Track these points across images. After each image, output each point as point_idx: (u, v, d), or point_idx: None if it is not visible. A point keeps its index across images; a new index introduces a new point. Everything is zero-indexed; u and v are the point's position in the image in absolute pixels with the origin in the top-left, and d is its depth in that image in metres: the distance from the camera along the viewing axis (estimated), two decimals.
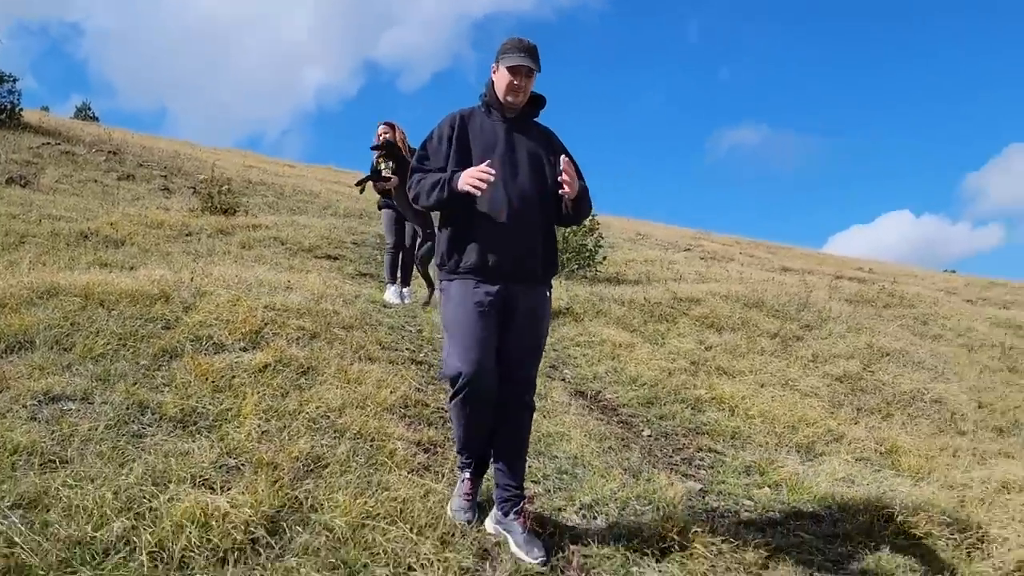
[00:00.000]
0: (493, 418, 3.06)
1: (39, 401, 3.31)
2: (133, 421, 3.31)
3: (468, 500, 3.17)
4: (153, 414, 3.42)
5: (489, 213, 2.97)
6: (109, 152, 14.04)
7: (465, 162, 3.01)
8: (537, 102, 3.18)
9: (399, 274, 7.69)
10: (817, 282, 12.41)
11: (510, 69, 3.02)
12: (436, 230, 7.60)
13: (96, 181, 11.84)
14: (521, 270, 3.00)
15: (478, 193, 2.86)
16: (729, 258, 16.68)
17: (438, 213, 3.20)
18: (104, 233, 8.14)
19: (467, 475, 3.20)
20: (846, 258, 26.27)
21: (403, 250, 7.67)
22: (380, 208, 7.80)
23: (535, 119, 3.21)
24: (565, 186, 2.93)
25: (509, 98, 3.06)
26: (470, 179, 2.85)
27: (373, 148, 7.32)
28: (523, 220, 2.98)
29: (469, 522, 3.08)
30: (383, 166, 7.22)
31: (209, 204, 10.63)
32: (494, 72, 3.12)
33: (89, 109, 41.90)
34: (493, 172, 2.86)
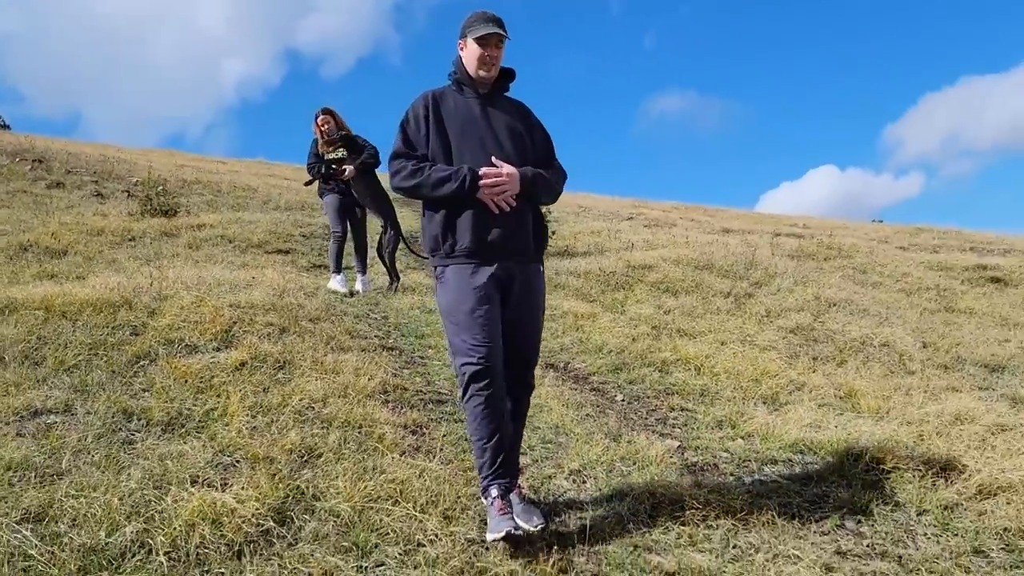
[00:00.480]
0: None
1: (21, 417, 3.27)
2: (121, 428, 3.29)
3: (506, 513, 2.84)
4: (139, 420, 3.40)
5: (476, 207, 2.92)
6: (34, 161, 13.54)
7: (443, 143, 2.97)
8: (507, 75, 3.12)
9: (356, 262, 7.65)
10: (758, 241, 12.78)
11: (480, 40, 2.95)
12: (399, 219, 7.60)
13: (25, 191, 11.43)
14: (515, 247, 2.96)
15: (508, 208, 2.90)
16: (671, 223, 17.00)
17: (400, 199, 3.23)
18: (44, 244, 7.90)
19: (495, 494, 2.88)
20: (781, 216, 26.97)
21: (358, 238, 7.61)
22: (322, 196, 7.59)
23: (507, 93, 3.15)
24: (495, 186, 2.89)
25: (482, 72, 2.98)
26: (498, 197, 2.87)
27: (329, 142, 7.22)
28: (514, 205, 2.93)
29: (517, 529, 2.76)
30: (335, 154, 7.17)
31: (148, 207, 10.38)
32: (462, 49, 3.04)
33: None
34: (513, 198, 2.90)
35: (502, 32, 2.96)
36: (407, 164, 2.97)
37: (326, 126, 7.28)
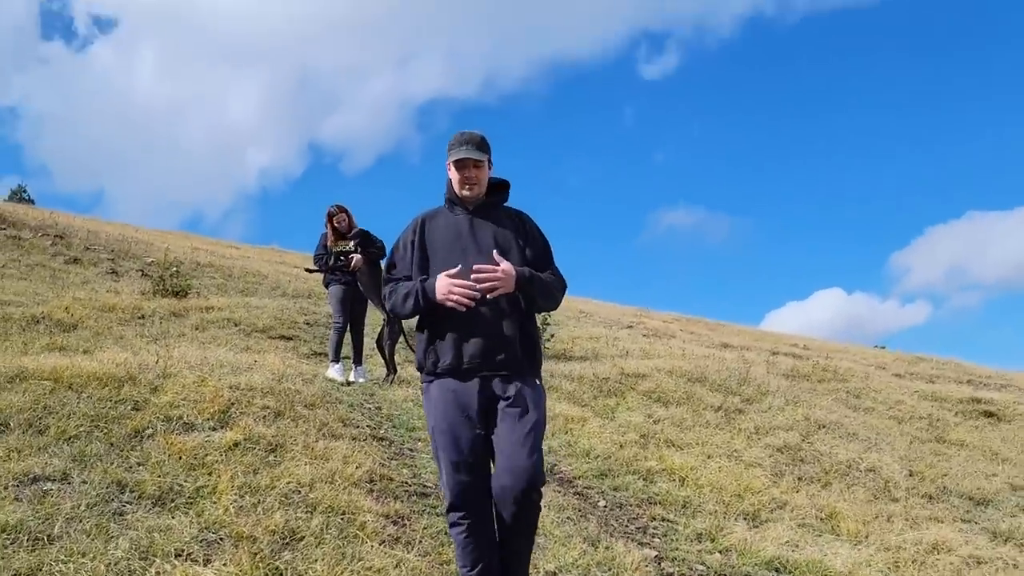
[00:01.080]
0: (496, 532, 2.94)
1: (20, 482, 3.40)
2: (113, 499, 3.41)
3: None
4: (132, 492, 3.52)
5: (454, 323, 2.92)
6: (55, 236, 13.97)
7: (424, 264, 3.02)
8: (500, 188, 3.17)
9: (352, 353, 7.85)
10: (755, 358, 12.92)
11: (456, 164, 3.02)
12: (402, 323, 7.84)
13: (44, 265, 11.77)
14: (498, 362, 2.90)
15: (462, 309, 2.84)
16: (671, 335, 17.20)
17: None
18: (56, 317, 8.13)
19: None
20: (782, 335, 27.16)
21: (356, 329, 7.84)
22: (327, 286, 7.88)
23: (504, 203, 3.18)
24: (485, 283, 2.85)
25: (465, 192, 3.04)
26: (453, 295, 2.84)
27: (345, 237, 7.58)
28: (494, 309, 2.91)
29: None
30: (344, 246, 7.50)
31: (161, 287, 10.66)
32: (448, 169, 3.10)
33: (25, 192, 41.42)
34: (477, 289, 2.83)
35: (477, 156, 3.01)
36: (386, 287, 3.09)
37: (341, 224, 7.63)
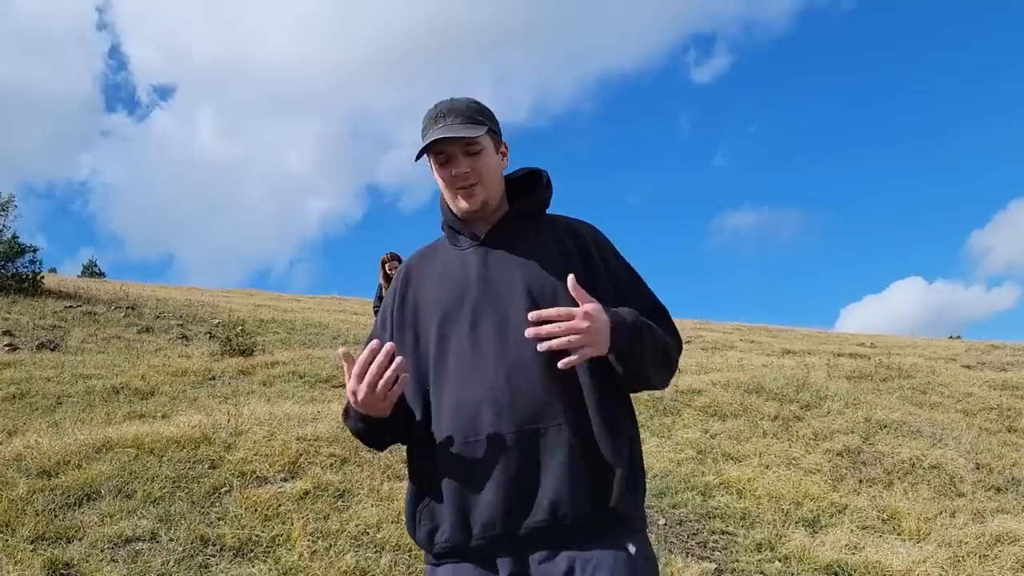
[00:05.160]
0: None
1: (114, 544, 3.73)
2: (198, 554, 3.72)
3: None
4: (214, 545, 3.83)
5: (456, 431, 1.67)
6: (127, 308, 14.73)
7: (407, 339, 1.80)
8: (530, 187, 1.86)
9: None
10: (816, 362, 12.81)
11: (435, 158, 1.78)
12: None
13: (119, 337, 12.44)
14: (548, 525, 1.61)
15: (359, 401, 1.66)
16: (729, 346, 17.11)
17: None
18: (134, 386, 8.64)
19: None
20: (847, 335, 26.66)
21: None
22: None
23: (540, 213, 1.86)
24: (547, 341, 1.57)
25: (462, 204, 1.78)
26: (359, 390, 1.64)
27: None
28: (532, 421, 1.64)
29: None
30: None
31: (228, 347, 11.18)
32: (432, 173, 1.84)
33: (95, 266, 43.49)
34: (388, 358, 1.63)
35: (462, 134, 1.72)
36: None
37: (394, 272, 7.96)
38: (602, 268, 1.80)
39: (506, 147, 1.84)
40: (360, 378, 1.63)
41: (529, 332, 1.57)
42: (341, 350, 1.71)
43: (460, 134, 1.71)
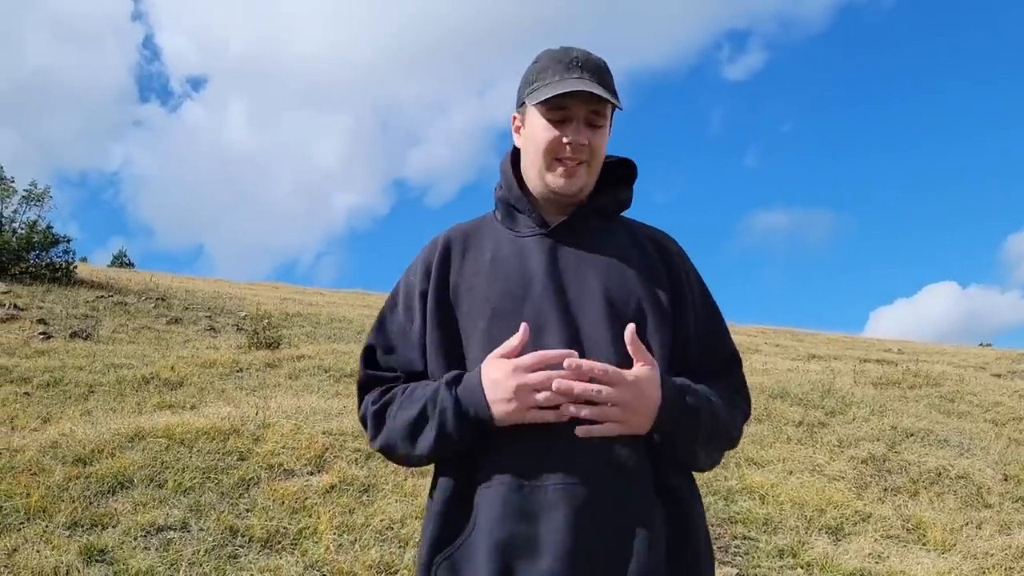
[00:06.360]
0: None
1: (147, 532, 3.82)
2: (227, 544, 3.80)
3: None
4: (243, 536, 3.90)
5: (507, 470, 1.33)
6: (157, 299, 14.95)
7: (449, 341, 1.45)
8: (618, 178, 1.55)
9: None
10: (842, 367, 12.71)
11: (550, 112, 1.43)
12: None
13: (149, 328, 12.64)
14: None
15: (550, 418, 1.30)
16: (754, 349, 17.00)
17: None
18: (164, 376, 8.78)
19: None
20: (875, 340, 26.36)
21: None
22: None
23: (618, 211, 1.57)
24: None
25: (558, 181, 1.45)
26: (531, 395, 1.29)
27: None
28: (612, 470, 1.32)
29: None
30: None
31: (255, 340, 11.31)
32: (517, 129, 1.54)
33: (125, 255, 44.18)
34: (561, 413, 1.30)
35: (600, 92, 1.41)
36: (369, 406, 1.51)
37: None
38: (690, 296, 1.49)
39: (611, 125, 1.53)
40: (530, 373, 1.29)
41: (557, 387, 1.26)
42: (523, 326, 1.34)
43: (606, 95, 1.41)
